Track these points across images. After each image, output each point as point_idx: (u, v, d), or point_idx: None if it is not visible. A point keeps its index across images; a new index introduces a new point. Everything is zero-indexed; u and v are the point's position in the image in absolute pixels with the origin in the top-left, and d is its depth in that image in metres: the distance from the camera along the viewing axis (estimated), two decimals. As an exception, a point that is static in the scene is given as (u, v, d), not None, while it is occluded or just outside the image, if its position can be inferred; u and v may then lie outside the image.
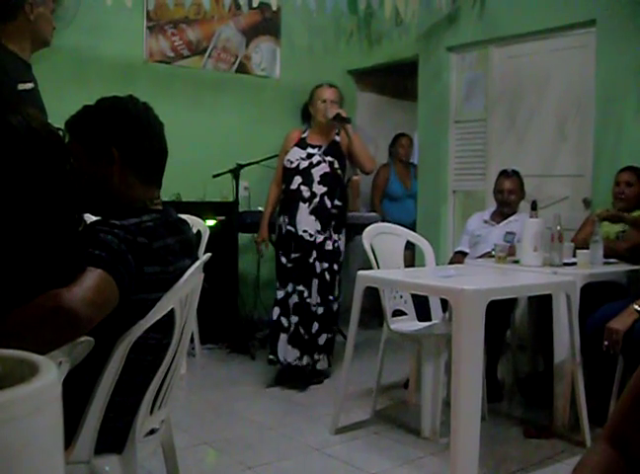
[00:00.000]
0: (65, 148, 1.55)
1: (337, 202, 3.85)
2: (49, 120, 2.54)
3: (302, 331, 3.77)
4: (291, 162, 3.88)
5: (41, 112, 2.53)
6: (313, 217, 3.79)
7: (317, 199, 3.80)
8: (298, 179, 3.83)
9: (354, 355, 2.98)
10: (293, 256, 3.80)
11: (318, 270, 3.78)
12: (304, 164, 3.84)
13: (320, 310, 3.78)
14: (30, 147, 1.45)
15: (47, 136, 1.49)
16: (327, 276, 3.79)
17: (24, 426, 0.60)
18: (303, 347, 3.76)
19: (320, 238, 3.79)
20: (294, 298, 3.79)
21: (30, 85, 2.63)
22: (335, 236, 3.84)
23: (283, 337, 3.79)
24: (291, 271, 3.81)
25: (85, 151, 1.59)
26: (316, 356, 3.80)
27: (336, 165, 3.84)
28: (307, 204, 3.80)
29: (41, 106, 2.63)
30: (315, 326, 3.78)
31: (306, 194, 3.80)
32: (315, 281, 3.78)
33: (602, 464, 0.94)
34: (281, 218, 3.90)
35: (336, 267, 3.83)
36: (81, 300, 1.30)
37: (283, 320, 3.81)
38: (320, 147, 3.88)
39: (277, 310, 3.85)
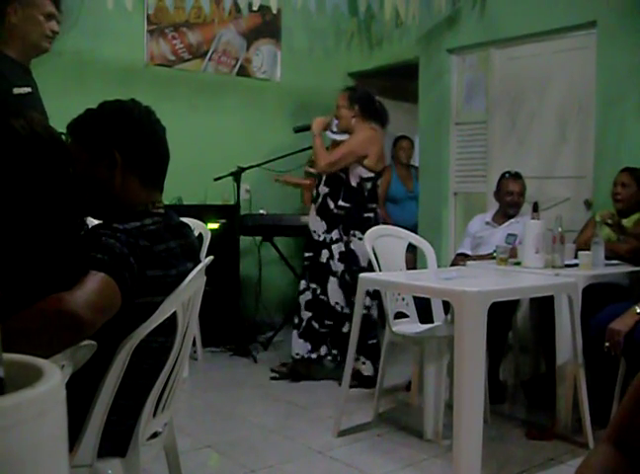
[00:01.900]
0: (67, 152, 1.55)
1: (342, 203, 3.83)
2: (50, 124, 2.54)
3: (317, 325, 3.83)
4: None
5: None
6: (318, 218, 3.87)
7: (320, 200, 3.87)
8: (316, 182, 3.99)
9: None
10: (307, 254, 3.92)
11: (334, 268, 3.83)
12: None
13: (347, 310, 3.80)
14: (32, 151, 1.45)
15: (50, 140, 1.50)
16: (347, 278, 3.81)
17: (28, 430, 0.60)
18: (316, 340, 3.83)
19: (329, 238, 3.83)
20: (308, 295, 3.86)
21: (26, 89, 2.62)
22: (345, 238, 3.83)
23: (295, 333, 3.88)
24: (306, 269, 3.91)
25: (87, 154, 1.59)
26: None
27: None
28: (314, 205, 3.91)
29: (40, 110, 2.62)
30: (347, 326, 3.76)
31: (314, 194, 3.95)
32: (333, 280, 3.82)
33: (605, 466, 0.94)
34: None
35: (355, 269, 3.78)
36: (84, 304, 1.31)
37: (295, 317, 3.90)
38: None
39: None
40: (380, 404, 3.30)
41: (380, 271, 3.27)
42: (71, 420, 0.69)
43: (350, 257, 3.82)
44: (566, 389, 3.02)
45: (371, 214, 3.87)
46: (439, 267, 3.61)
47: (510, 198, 3.95)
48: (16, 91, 2.58)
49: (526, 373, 3.80)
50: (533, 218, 3.32)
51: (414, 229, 4.62)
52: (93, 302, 1.32)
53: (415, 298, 3.37)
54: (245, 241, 4.80)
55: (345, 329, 3.80)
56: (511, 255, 3.47)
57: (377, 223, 3.84)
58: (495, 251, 3.51)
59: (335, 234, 3.83)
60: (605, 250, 3.31)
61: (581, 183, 4.38)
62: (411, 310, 3.38)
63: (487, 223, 4.03)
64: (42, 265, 1.42)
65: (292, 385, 3.85)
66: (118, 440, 1.53)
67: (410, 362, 3.59)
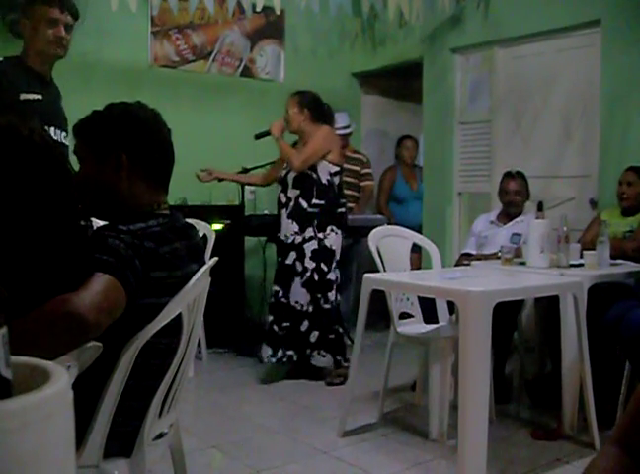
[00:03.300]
0: (52, 154, 1.51)
1: (315, 202, 3.88)
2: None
3: (276, 328, 3.90)
4: (281, 175, 4.03)
5: (46, 122, 2.56)
6: (290, 221, 3.90)
7: (292, 203, 3.91)
8: (279, 187, 4.00)
9: (360, 358, 2.98)
10: (278, 259, 3.99)
11: (299, 269, 3.86)
12: (283, 173, 3.99)
13: (310, 309, 3.86)
14: (10, 151, 1.43)
15: (29, 141, 1.45)
16: (315, 276, 3.85)
17: (36, 432, 0.60)
18: (276, 343, 3.91)
19: (299, 239, 3.87)
20: (272, 299, 3.96)
21: (35, 96, 2.66)
22: (320, 235, 3.87)
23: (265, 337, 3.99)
24: (276, 273, 3.99)
25: (94, 156, 1.60)
26: (308, 352, 3.90)
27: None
28: (285, 210, 3.94)
29: (47, 117, 2.65)
30: (305, 324, 3.87)
31: (283, 199, 3.95)
32: (297, 280, 3.87)
33: (613, 468, 0.94)
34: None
35: (324, 266, 3.86)
36: (89, 305, 1.31)
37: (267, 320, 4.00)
38: None
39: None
40: (385, 404, 3.30)
41: (385, 271, 3.27)
42: (77, 420, 0.69)
43: (323, 254, 3.86)
44: (572, 389, 3.01)
45: (343, 210, 4.03)
46: (443, 267, 3.61)
47: (506, 197, 3.97)
48: (23, 97, 2.61)
49: (532, 373, 3.79)
50: (538, 218, 3.32)
51: (418, 229, 4.62)
52: (98, 304, 1.33)
53: (419, 298, 3.37)
54: (250, 241, 4.80)
55: (303, 327, 3.87)
56: (515, 254, 3.46)
57: (346, 219, 4.11)
58: (500, 250, 3.51)
59: (308, 232, 3.86)
60: (611, 248, 3.30)
61: (586, 182, 4.38)
62: (416, 310, 3.38)
63: (491, 223, 4.03)
64: (48, 266, 1.43)
65: (297, 386, 3.86)
66: (123, 441, 1.53)
67: (415, 363, 3.58)
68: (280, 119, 4.00)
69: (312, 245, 3.85)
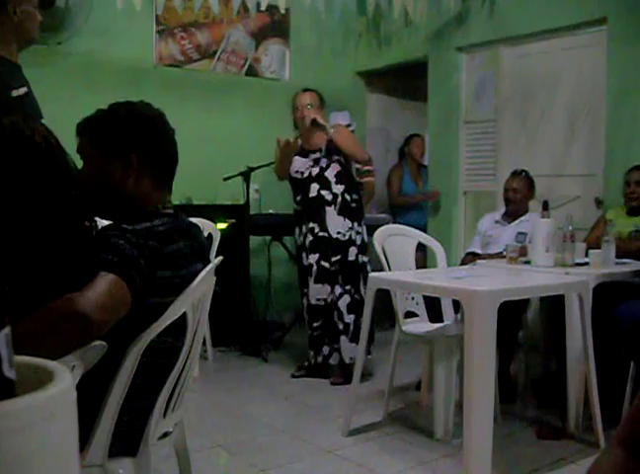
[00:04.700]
0: (54, 155, 1.51)
1: (354, 196, 3.97)
2: (54, 124, 2.51)
3: (355, 325, 3.90)
4: (302, 173, 3.97)
5: (35, 114, 2.50)
6: (342, 217, 3.90)
7: (340, 199, 3.91)
8: (315, 186, 3.93)
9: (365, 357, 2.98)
10: (334, 259, 3.88)
11: (361, 262, 3.95)
12: (315, 170, 3.94)
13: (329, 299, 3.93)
14: (11, 155, 1.43)
15: (31, 145, 1.45)
16: (369, 269, 3.93)
17: (39, 432, 0.60)
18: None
19: (353, 234, 3.91)
20: (346, 299, 3.88)
21: (23, 90, 2.54)
22: (359, 228, 3.96)
23: (344, 338, 3.88)
24: (337, 273, 3.89)
25: (102, 155, 1.60)
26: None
27: (343, 161, 3.94)
28: (333, 207, 3.90)
29: (36, 109, 2.58)
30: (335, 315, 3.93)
31: (329, 197, 3.91)
32: (362, 276, 3.92)
33: (615, 468, 0.93)
34: (306, 227, 3.95)
35: (366, 258, 3.98)
36: (94, 305, 1.31)
37: (339, 323, 3.89)
38: (320, 150, 3.95)
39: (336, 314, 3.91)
40: (390, 403, 3.30)
41: (390, 270, 3.27)
42: (82, 420, 0.69)
43: (363, 247, 3.96)
44: (577, 388, 3.01)
45: None
46: (448, 266, 3.60)
47: (504, 194, 4.00)
48: (15, 93, 2.52)
49: (537, 372, 3.78)
50: (543, 217, 3.31)
51: (424, 228, 4.62)
52: (103, 303, 1.33)
53: (425, 297, 3.37)
54: (254, 241, 4.81)
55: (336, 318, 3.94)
56: (521, 253, 3.45)
57: None
58: (505, 249, 3.50)
59: (356, 227, 3.93)
60: (616, 248, 3.29)
61: (591, 181, 4.36)
62: (421, 309, 3.38)
63: (497, 222, 4.03)
64: (53, 266, 1.43)
65: (302, 385, 3.86)
66: (128, 440, 1.54)
67: (420, 362, 3.58)
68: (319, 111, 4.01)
69: (358, 240, 3.94)
